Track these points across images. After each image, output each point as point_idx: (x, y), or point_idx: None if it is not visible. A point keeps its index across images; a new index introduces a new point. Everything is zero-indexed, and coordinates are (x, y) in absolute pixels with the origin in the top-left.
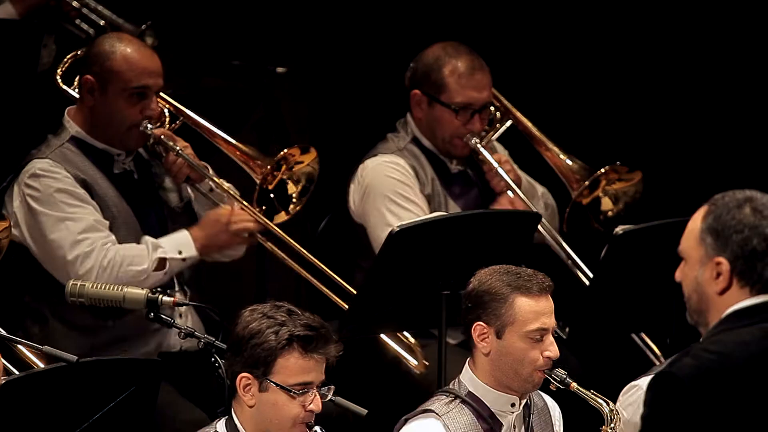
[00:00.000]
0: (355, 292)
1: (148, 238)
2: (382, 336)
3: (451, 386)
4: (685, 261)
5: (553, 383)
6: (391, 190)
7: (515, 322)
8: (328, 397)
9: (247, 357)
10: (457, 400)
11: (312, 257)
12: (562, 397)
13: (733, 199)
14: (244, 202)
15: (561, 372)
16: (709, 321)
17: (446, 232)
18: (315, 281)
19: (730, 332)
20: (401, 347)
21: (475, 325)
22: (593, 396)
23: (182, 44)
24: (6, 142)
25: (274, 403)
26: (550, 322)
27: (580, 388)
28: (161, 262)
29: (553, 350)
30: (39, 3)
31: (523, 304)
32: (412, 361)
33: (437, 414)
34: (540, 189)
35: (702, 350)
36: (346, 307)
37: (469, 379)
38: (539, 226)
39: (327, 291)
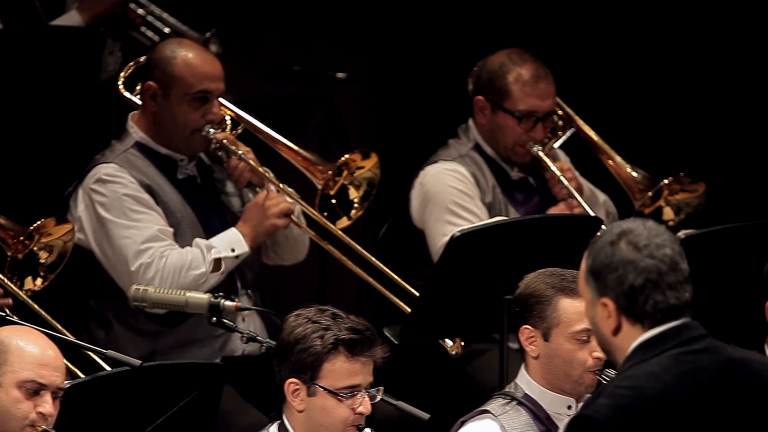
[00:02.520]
0: (417, 294)
1: (199, 240)
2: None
3: (507, 389)
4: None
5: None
6: (450, 200)
7: (560, 323)
8: (378, 398)
9: (294, 362)
10: (514, 402)
11: (374, 259)
12: None
13: (608, 236)
14: (305, 204)
15: (612, 372)
16: (617, 360)
17: (507, 237)
18: (377, 285)
19: (638, 366)
20: None
21: (522, 328)
22: None
23: (244, 50)
24: (71, 148)
25: (323, 407)
26: None
27: None
28: (216, 263)
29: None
30: (105, 12)
31: (567, 305)
32: (448, 342)
33: (494, 415)
34: (602, 197)
35: (615, 387)
36: (409, 310)
37: (525, 381)
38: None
39: (389, 294)
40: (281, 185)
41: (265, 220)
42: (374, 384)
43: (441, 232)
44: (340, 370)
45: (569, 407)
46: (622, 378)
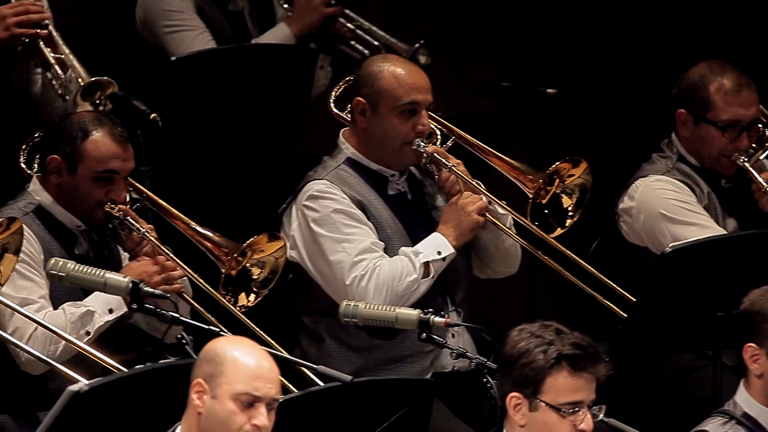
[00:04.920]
0: (633, 300)
1: (405, 249)
2: None
3: (726, 407)
4: None
5: None
6: (668, 209)
7: None
8: (600, 417)
9: (516, 376)
10: (733, 421)
11: (588, 266)
12: None
13: None
14: (515, 214)
15: None
16: None
17: (722, 253)
18: (593, 292)
19: None
20: None
21: (746, 346)
22: None
23: (453, 67)
24: (285, 165)
25: (544, 422)
26: None
27: None
28: (426, 268)
29: None
30: (314, 25)
31: None
32: None
33: None
34: None
35: None
36: (625, 316)
37: (743, 399)
38: None
39: (605, 301)
40: (491, 196)
41: (465, 218)
42: (596, 402)
43: (663, 243)
44: (562, 385)
45: None
46: None
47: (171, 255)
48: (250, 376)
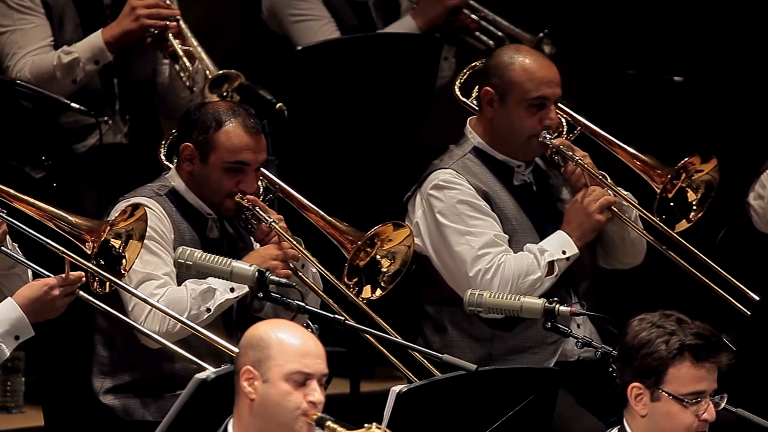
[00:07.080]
0: (756, 299)
1: (530, 246)
2: None
3: None
4: None
5: None
6: None
7: None
8: (722, 406)
9: (637, 366)
10: None
11: (713, 263)
12: None
13: None
14: (641, 208)
15: None
16: None
17: None
18: (717, 289)
19: None
20: None
21: None
22: None
23: (578, 54)
24: (405, 155)
25: (667, 412)
26: None
27: None
28: (550, 266)
29: None
30: (439, 18)
31: None
32: None
33: None
34: None
35: None
36: (749, 313)
37: None
38: None
39: (729, 298)
40: (618, 189)
41: (587, 219)
42: (718, 391)
43: None
44: (685, 375)
45: None
46: None
47: (300, 246)
48: (298, 354)
